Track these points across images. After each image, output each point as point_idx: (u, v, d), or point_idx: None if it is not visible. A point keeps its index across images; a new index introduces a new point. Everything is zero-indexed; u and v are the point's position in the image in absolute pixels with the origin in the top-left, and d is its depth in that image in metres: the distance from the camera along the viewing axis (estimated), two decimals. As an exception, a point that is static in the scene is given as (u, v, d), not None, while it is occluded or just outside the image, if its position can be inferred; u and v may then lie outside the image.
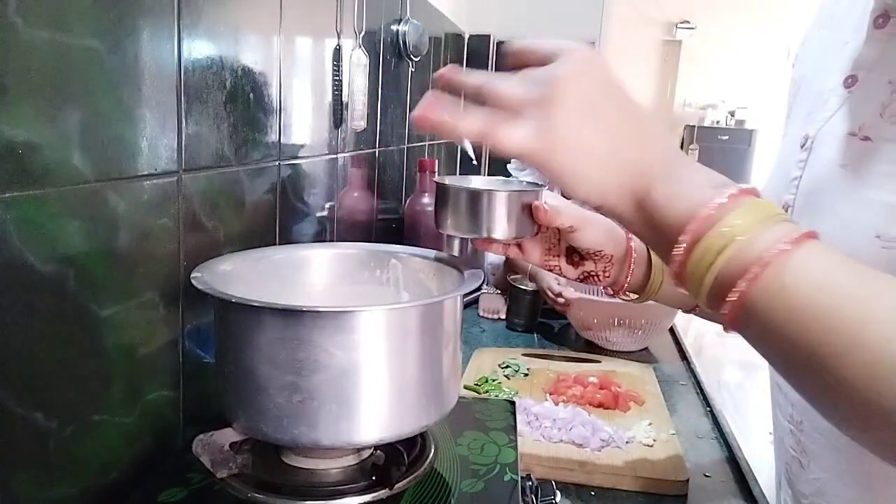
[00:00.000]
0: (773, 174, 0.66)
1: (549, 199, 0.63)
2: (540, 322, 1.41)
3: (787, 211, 0.60)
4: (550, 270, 0.68)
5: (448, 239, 1.20)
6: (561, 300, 1.31)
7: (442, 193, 0.63)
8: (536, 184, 0.66)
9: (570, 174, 0.42)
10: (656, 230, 0.41)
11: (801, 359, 0.36)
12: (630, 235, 0.69)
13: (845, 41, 0.58)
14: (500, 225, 0.61)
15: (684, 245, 0.39)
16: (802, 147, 0.60)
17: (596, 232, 0.64)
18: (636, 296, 0.68)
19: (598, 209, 0.44)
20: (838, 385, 0.34)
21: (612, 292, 0.69)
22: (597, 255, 0.64)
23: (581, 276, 0.67)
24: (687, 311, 0.70)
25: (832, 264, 0.37)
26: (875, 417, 0.33)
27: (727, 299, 0.37)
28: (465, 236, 0.63)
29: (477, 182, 0.66)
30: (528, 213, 0.62)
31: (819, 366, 0.35)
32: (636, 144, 0.43)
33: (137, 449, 0.61)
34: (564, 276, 0.68)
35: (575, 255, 0.66)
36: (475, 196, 0.61)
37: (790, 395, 0.61)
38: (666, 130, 0.48)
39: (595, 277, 0.66)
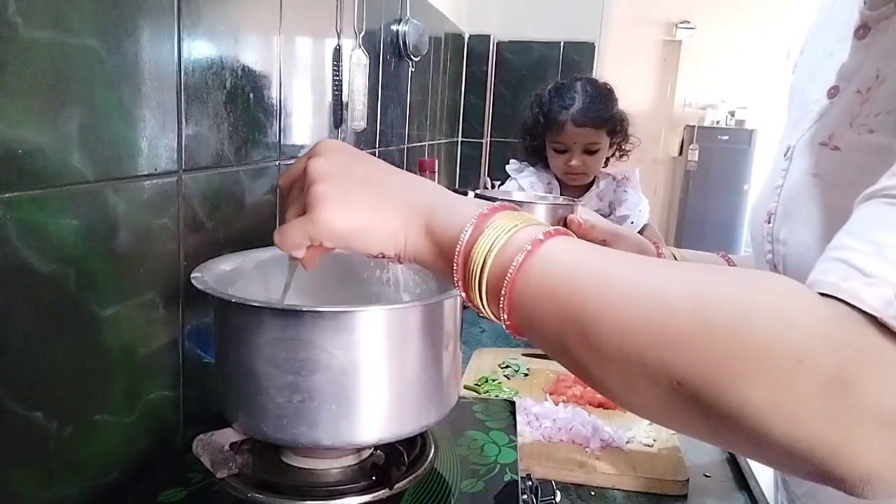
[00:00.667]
0: (765, 182, 0.67)
1: (583, 214, 0.64)
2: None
3: (770, 219, 0.61)
4: None
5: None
6: None
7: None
8: (571, 200, 0.67)
9: (356, 230, 0.45)
10: (442, 255, 0.44)
11: (564, 345, 0.38)
12: (662, 251, 0.70)
13: (831, 52, 0.59)
14: None
15: (458, 260, 0.42)
16: (785, 156, 0.61)
17: (627, 247, 0.65)
18: None
19: (400, 259, 0.47)
20: (597, 346, 0.36)
21: None
22: None
23: None
24: None
25: (583, 252, 0.39)
26: (632, 380, 0.35)
27: (500, 304, 0.40)
28: None
29: (516, 196, 0.67)
30: (562, 226, 0.62)
31: (577, 345, 0.37)
32: (404, 188, 0.47)
33: (137, 449, 0.61)
34: None
35: None
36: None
37: None
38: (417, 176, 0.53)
39: None
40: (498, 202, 0.43)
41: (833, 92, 0.57)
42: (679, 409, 0.34)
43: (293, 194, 0.49)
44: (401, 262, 0.47)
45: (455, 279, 0.43)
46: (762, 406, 0.30)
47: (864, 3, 0.56)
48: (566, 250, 0.39)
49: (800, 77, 0.67)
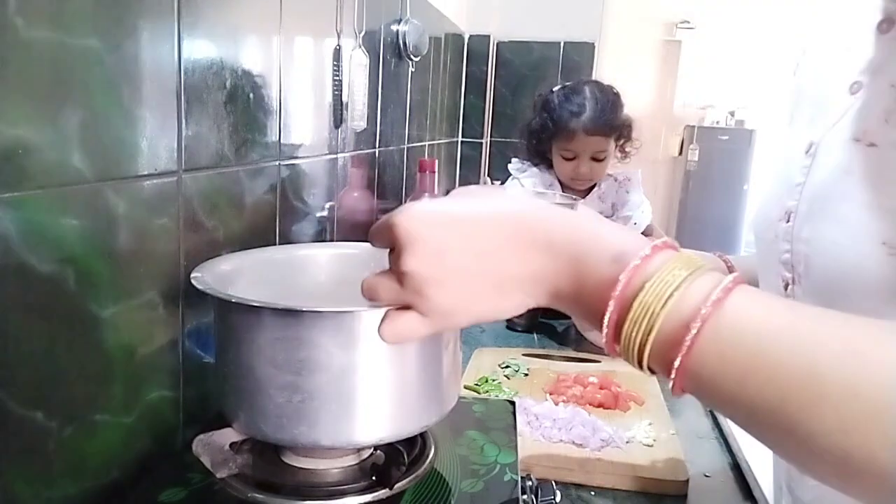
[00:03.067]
0: (776, 180, 0.66)
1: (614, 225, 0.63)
2: (541, 322, 1.41)
3: (789, 218, 0.60)
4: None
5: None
6: None
7: None
8: (571, 198, 0.65)
9: (483, 318, 0.43)
10: (585, 315, 0.40)
11: (759, 430, 0.34)
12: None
13: (848, 48, 0.58)
14: None
15: (608, 324, 0.38)
16: (807, 153, 0.59)
17: None
18: None
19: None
20: (808, 441, 0.32)
21: None
22: None
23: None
24: None
25: (773, 316, 0.34)
26: (855, 469, 0.31)
27: (669, 372, 0.36)
28: None
29: None
30: None
31: (778, 424, 0.33)
32: (517, 258, 0.41)
33: (137, 449, 0.61)
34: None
35: None
36: None
37: None
38: (540, 208, 0.45)
39: None
40: (649, 243, 0.37)
41: (855, 87, 0.55)
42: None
43: (406, 294, 0.45)
44: None
45: (604, 337, 0.39)
46: None
47: None
48: (752, 314, 0.34)
49: (806, 76, 0.66)
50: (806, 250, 0.57)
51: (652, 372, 0.38)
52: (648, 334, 0.36)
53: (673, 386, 0.36)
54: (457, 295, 0.42)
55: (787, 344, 0.32)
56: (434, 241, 0.42)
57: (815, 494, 0.59)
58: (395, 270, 0.44)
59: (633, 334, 0.36)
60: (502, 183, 1.65)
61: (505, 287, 0.41)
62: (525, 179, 1.54)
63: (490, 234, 0.41)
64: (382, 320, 0.46)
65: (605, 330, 0.38)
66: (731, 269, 0.71)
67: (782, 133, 0.69)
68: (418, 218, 0.43)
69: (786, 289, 0.59)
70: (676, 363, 0.35)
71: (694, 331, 0.34)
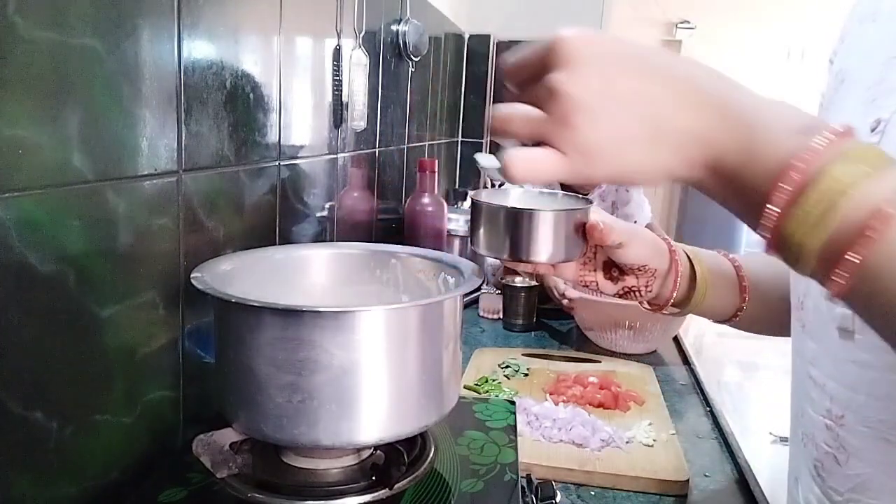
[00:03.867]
0: None
1: (596, 215, 0.59)
2: (541, 322, 1.41)
3: None
4: (586, 286, 0.65)
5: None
6: (565, 301, 1.31)
7: (478, 212, 0.58)
8: (585, 198, 0.61)
9: (626, 174, 0.38)
10: (739, 196, 0.36)
11: None
12: (674, 248, 0.66)
13: None
14: (546, 247, 0.56)
15: (777, 210, 0.33)
16: (873, 131, 0.56)
17: (643, 246, 0.61)
18: (677, 310, 0.67)
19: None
20: None
21: (652, 308, 0.67)
22: (640, 271, 0.63)
23: (621, 292, 0.65)
24: (720, 322, 0.69)
25: None
26: None
27: (840, 264, 0.32)
28: (508, 261, 0.59)
29: (515, 196, 0.60)
30: (579, 233, 0.57)
31: None
32: (684, 111, 0.36)
33: (137, 449, 0.61)
34: (602, 293, 0.65)
35: (614, 269, 0.64)
36: (521, 217, 0.56)
37: (829, 389, 0.59)
38: (716, 73, 0.36)
39: (636, 293, 0.64)
40: (827, 132, 0.33)
41: None
42: None
43: (529, 92, 0.39)
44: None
45: (760, 228, 0.34)
46: None
47: None
48: None
49: (848, 62, 0.65)
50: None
51: (812, 272, 0.34)
52: (829, 218, 0.32)
53: (834, 285, 0.33)
54: (609, 133, 0.36)
55: None
56: (603, 66, 0.36)
57: (856, 483, 0.58)
58: (542, 94, 0.37)
59: (811, 216, 0.32)
60: (502, 184, 1.65)
61: (661, 140, 0.36)
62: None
63: (663, 78, 0.37)
64: (509, 157, 0.39)
65: (770, 211, 0.34)
66: (737, 269, 0.70)
67: None
68: (592, 38, 0.37)
69: None
70: (853, 255, 0.31)
71: (871, 227, 0.30)
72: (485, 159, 0.43)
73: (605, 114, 0.36)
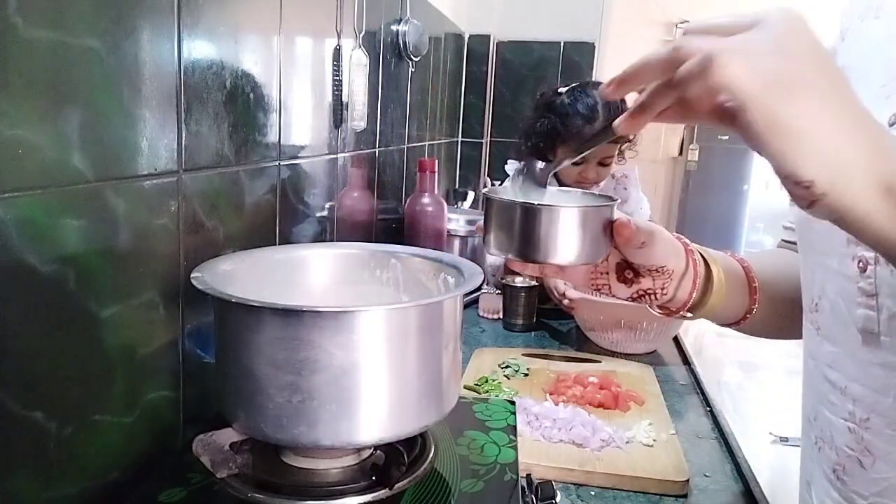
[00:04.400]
0: None
1: (619, 215, 0.56)
2: (541, 322, 1.41)
3: None
4: (598, 290, 0.61)
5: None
6: (566, 301, 1.31)
7: (491, 209, 0.55)
8: (608, 196, 0.59)
9: (797, 141, 0.34)
10: None
11: None
12: (691, 248, 0.63)
13: None
14: (573, 248, 0.53)
15: None
16: (892, 125, 0.54)
17: (664, 247, 0.59)
18: (690, 315, 0.64)
19: (813, 202, 0.35)
20: None
21: (665, 312, 0.64)
22: (657, 272, 0.60)
23: (635, 296, 0.61)
24: (728, 325, 0.67)
25: None
26: None
27: None
28: (527, 262, 0.55)
29: (532, 194, 0.57)
30: (606, 231, 0.54)
31: None
32: (870, 123, 0.34)
33: (137, 449, 0.61)
34: (615, 296, 0.62)
35: (628, 271, 0.61)
36: (548, 214, 0.52)
37: (852, 392, 0.58)
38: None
39: (651, 296, 0.61)
40: None
41: None
42: None
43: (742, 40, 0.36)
44: (812, 205, 0.35)
45: None
46: None
47: None
48: None
49: (851, 58, 0.65)
50: None
51: None
52: None
53: None
54: (794, 77, 0.34)
55: None
56: (805, 37, 0.35)
57: (882, 487, 0.56)
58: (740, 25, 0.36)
59: None
60: (501, 183, 1.65)
61: (845, 125, 0.34)
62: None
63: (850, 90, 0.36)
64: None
65: None
66: (746, 270, 0.68)
67: None
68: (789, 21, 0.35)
69: (864, 270, 0.57)
70: None
71: None
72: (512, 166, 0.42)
73: (801, 66, 0.35)
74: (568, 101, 1.43)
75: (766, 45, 0.34)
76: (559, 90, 1.47)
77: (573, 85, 1.49)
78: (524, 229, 0.53)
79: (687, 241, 0.65)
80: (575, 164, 1.45)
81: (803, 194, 0.34)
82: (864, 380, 0.56)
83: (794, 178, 0.34)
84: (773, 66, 0.34)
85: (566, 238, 0.53)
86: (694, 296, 0.61)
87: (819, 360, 0.61)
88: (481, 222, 0.58)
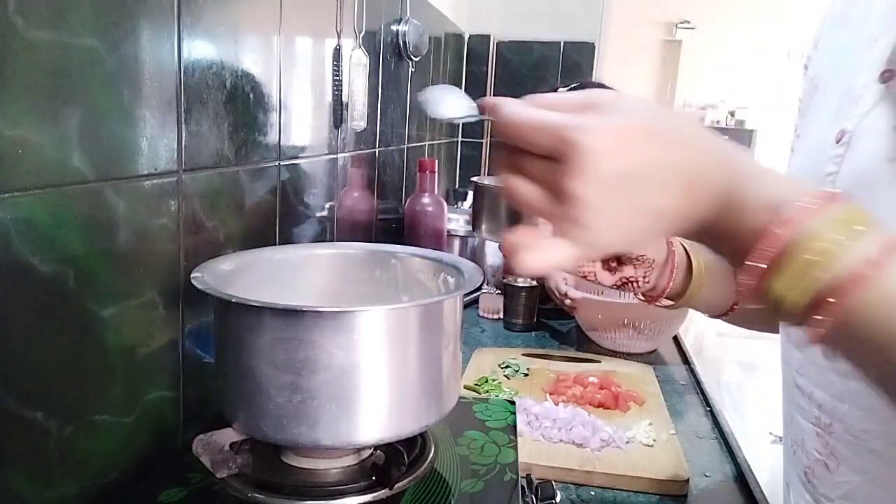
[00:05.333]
0: (799, 172, 0.65)
1: None
2: (541, 322, 1.41)
3: None
4: (584, 277, 0.67)
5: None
6: (568, 301, 1.31)
7: (481, 196, 0.61)
8: None
9: (625, 248, 0.41)
10: (732, 250, 0.38)
11: None
12: (671, 239, 0.68)
13: (874, 38, 0.57)
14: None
15: (763, 256, 0.36)
16: (838, 142, 0.58)
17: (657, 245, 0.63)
18: (671, 302, 0.68)
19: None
20: None
21: (647, 299, 0.68)
22: (638, 261, 0.64)
23: (619, 283, 0.66)
24: (715, 317, 0.70)
25: None
26: None
27: (819, 317, 0.35)
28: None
29: None
30: None
31: None
32: (679, 202, 0.38)
33: (137, 449, 0.61)
34: (599, 283, 0.67)
35: (612, 260, 0.66)
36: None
37: (817, 398, 0.60)
38: (730, 147, 0.39)
39: (634, 284, 0.65)
40: (817, 194, 0.36)
41: (887, 76, 0.55)
42: None
43: (535, 168, 0.37)
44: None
45: (742, 271, 0.37)
46: None
47: None
48: None
49: (821, 68, 0.66)
50: None
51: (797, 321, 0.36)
52: (810, 278, 0.34)
53: (816, 334, 0.35)
54: (618, 229, 0.37)
55: None
56: (621, 171, 0.36)
57: (845, 490, 0.58)
58: (555, 187, 0.36)
59: (794, 275, 0.35)
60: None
61: (658, 226, 0.38)
62: None
63: (672, 163, 0.37)
64: (519, 249, 0.38)
65: (743, 273, 0.37)
66: (669, 245, 0.72)
67: (794, 126, 0.68)
68: (609, 134, 0.35)
69: None
70: (829, 312, 0.34)
71: (851, 274, 0.33)
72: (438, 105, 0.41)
73: (614, 209, 0.36)
74: None
75: (573, 205, 0.37)
76: (558, 89, 1.48)
77: (573, 85, 1.49)
78: (512, 212, 0.56)
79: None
80: None
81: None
82: (825, 386, 0.58)
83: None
84: (576, 228, 0.37)
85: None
86: (672, 284, 0.65)
87: (790, 366, 0.63)
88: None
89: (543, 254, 0.38)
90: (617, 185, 0.36)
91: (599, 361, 1.19)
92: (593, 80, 1.89)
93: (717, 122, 4.75)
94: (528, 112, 0.37)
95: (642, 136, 0.36)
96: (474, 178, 0.61)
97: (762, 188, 0.38)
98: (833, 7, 0.67)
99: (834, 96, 0.62)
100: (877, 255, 0.34)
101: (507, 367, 1.14)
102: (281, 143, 0.84)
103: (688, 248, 0.68)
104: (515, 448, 0.67)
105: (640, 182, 0.36)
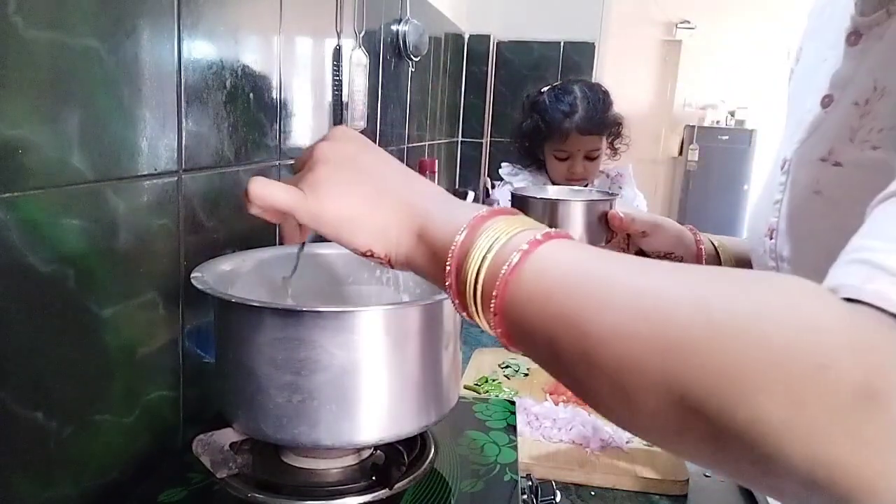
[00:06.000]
0: (761, 195, 0.65)
1: (620, 207, 0.67)
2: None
3: (772, 235, 0.60)
4: None
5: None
6: None
7: (519, 205, 0.68)
8: (610, 193, 0.72)
9: (346, 220, 0.44)
10: (437, 261, 0.41)
11: (554, 351, 0.35)
12: (699, 238, 0.71)
13: (824, 58, 0.57)
14: (576, 234, 0.66)
15: (451, 264, 0.39)
16: (782, 169, 0.59)
17: (667, 236, 0.67)
18: None
19: (391, 261, 0.44)
20: (589, 364, 0.33)
21: None
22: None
23: None
24: None
25: (583, 254, 0.36)
26: (629, 392, 0.31)
27: (491, 308, 0.37)
28: None
29: (551, 192, 0.72)
30: (602, 221, 0.66)
31: (569, 351, 0.34)
32: (405, 187, 0.44)
33: (137, 449, 0.61)
34: None
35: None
36: (552, 207, 0.67)
37: None
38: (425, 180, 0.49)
39: None
40: (497, 206, 0.41)
41: (827, 101, 0.55)
42: (681, 428, 0.30)
43: (299, 174, 0.47)
44: (392, 266, 0.45)
45: (447, 284, 0.40)
46: (777, 420, 0.26)
47: (856, 9, 0.54)
48: (564, 252, 0.36)
49: (796, 84, 0.66)
50: (788, 269, 0.56)
51: (490, 327, 0.39)
52: (476, 277, 0.38)
53: (496, 332, 0.38)
54: (340, 182, 0.44)
55: (590, 271, 0.34)
56: (354, 142, 0.47)
57: None
58: (306, 158, 0.47)
59: (467, 277, 0.38)
60: (501, 182, 1.65)
61: (381, 199, 0.44)
62: (519, 183, 1.55)
63: (396, 164, 0.47)
64: (253, 179, 0.45)
65: (447, 281, 0.40)
66: (698, 243, 0.73)
67: (782, 132, 0.69)
68: (334, 139, 0.47)
69: (770, 237, 0.60)
70: (494, 300, 0.37)
71: (508, 265, 0.36)
72: (514, 179, 0.54)
73: (345, 166, 0.45)
74: (548, 99, 1.46)
75: (310, 166, 0.45)
76: (542, 91, 1.50)
77: (554, 84, 1.51)
78: (541, 218, 0.66)
79: (697, 231, 0.73)
80: (561, 160, 1.47)
81: (377, 261, 0.44)
82: None
83: (357, 250, 0.44)
84: (308, 179, 0.44)
85: (571, 226, 0.67)
86: None
87: None
88: None
89: (271, 186, 0.44)
90: (354, 151, 0.46)
91: (599, 361, 1.19)
92: (593, 79, 1.89)
93: (717, 122, 4.75)
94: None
95: (356, 145, 0.47)
96: (513, 190, 0.71)
97: (451, 214, 0.42)
98: (811, 17, 0.66)
99: (793, 117, 0.62)
100: (528, 244, 0.36)
101: (507, 367, 1.14)
102: (281, 143, 0.84)
103: (716, 245, 0.70)
104: (515, 448, 0.67)
105: (372, 160, 0.46)
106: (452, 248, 0.39)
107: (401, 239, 0.43)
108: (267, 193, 0.44)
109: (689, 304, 0.30)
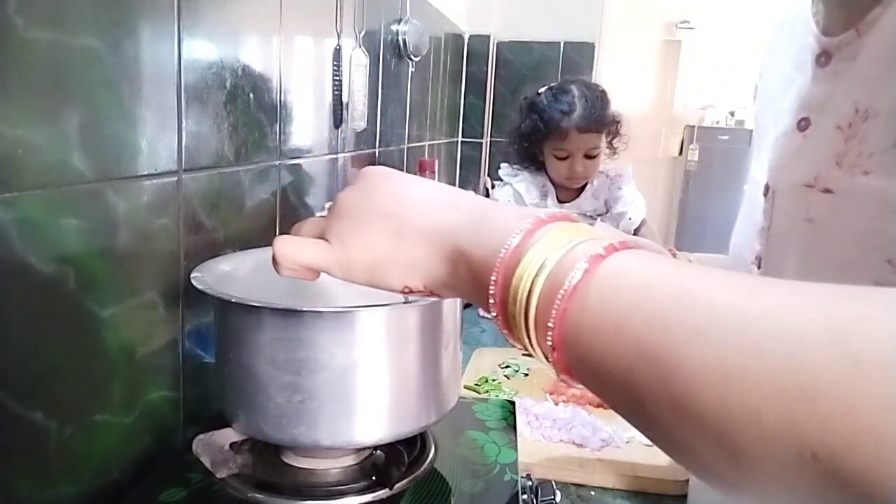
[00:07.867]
0: (742, 221, 0.63)
1: (601, 230, 0.66)
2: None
3: (759, 263, 0.58)
4: None
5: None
6: None
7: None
8: (588, 216, 0.69)
9: (375, 271, 0.42)
10: (477, 283, 0.37)
11: (635, 396, 0.29)
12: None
13: (791, 79, 0.55)
14: None
15: (495, 286, 0.34)
16: (765, 196, 0.57)
17: None
18: None
19: (426, 292, 0.41)
20: (681, 412, 0.27)
21: None
22: None
23: None
24: None
25: (660, 267, 0.30)
26: (738, 448, 0.25)
27: (548, 339, 0.32)
28: None
29: None
30: None
31: (654, 395, 0.27)
32: (429, 215, 0.41)
33: (137, 449, 0.61)
34: None
35: None
36: None
37: None
38: (462, 192, 0.43)
39: None
40: (545, 213, 0.35)
41: (804, 124, 0.53)
42: (809, 493, 0.23)
43: (325, 219, 0.46)
44: (437, 296, 0.42)
45: (491, 310, 0.35)
46: None
47: (818, 27, 0.52)
48: (637, 267, 0.30)
49: (762, 105, 0.63)
50: None
51: (548, 360, 0.34)
52: (528, 301, 0.32)
53: (556, 367, 0.33)
54: (360, 229, 0.43)
55: (673, 290, 0.28)
56: (376, 179, 0.44)
57: None
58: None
59: (516, 301, 0.33)
60: (501, 182, 1.65)
61: (403, 235, 0.41)
62: (518, 184, 1.55)
63: (421, 192, 0.43)
64: (278, 239, 0.45)
65: (491, 306, 0.36)
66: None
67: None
68: (355, 189, 0.45)
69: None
70: (551, 331, 0.31)
71: (567, 287, 0.30)
72: (514, 180, 0.50)
73: (364, 212, 0.42)
74: (546, 99, 1.46)
75: (333, 216, 0.44)
76: (539, 91, 1.50)
77: (552, 84, 1.51)
78: None
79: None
80: (561, 159, 1.47)
81: (420, 295, 0.42)
82: None
83: (395, 291, 0.42)
84: (334, 229, 0.43)
85: None
86: None
87: None
88: None
89: (298, 244, 0.44)
90: (352, 208, 0.43)
91: (599, 361, 1.19)
92: (593, 79, 1.89)
93: (717, 122, 4.74)
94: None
95: (377, 183, 0.44)
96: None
97: (492, 230, 0.37)
98: (772, 34, 0.63)
99: (765, 139, 0.60)
100: (588, 261, 0.30)
101: (507, 367, 1.14)
102: (281, 143, 0.84)
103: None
104: (515, 448, 0.67)
105: (364, 210, 0.43)
106: (494, 273, 0.34)
107: (433, 268, 0.40)
108: (295, 253, 0.44)
109: (823, 338, 0.23)
